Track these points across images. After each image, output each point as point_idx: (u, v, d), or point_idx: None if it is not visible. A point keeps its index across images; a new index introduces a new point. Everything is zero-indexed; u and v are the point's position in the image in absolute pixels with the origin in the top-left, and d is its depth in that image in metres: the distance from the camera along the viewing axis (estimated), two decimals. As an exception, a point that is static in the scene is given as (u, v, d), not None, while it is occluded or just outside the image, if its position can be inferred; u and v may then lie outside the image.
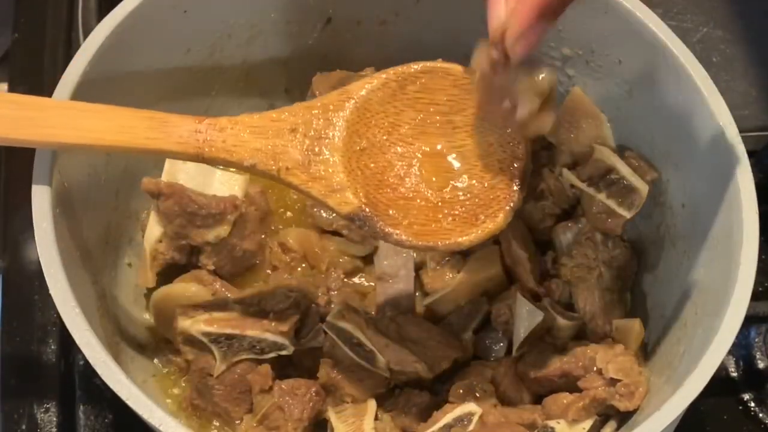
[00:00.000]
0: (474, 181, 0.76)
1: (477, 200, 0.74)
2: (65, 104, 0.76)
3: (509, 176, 0.74)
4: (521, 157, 0.74)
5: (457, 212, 0.74)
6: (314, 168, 0.73)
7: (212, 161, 0.75)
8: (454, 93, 0.76)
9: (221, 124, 0.74)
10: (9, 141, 0.73)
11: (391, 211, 0.73)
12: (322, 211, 0.95)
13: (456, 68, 0.76)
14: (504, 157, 0.75)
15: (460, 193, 0.75)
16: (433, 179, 0.75)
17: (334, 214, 0.94)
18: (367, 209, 0.72)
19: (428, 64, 0.77)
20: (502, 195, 0.74)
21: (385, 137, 0.75)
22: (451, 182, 0.76)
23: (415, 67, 0.76)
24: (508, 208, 0.74)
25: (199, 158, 0.74)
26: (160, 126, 0.74)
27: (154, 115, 0.74)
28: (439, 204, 0.74)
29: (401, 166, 0.75)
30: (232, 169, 0.95)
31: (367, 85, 0.76)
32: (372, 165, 0.75)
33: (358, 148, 0.75)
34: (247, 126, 0.75)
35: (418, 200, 0.75)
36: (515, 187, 0.74)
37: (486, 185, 0.74)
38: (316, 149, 0.74)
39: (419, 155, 0.76)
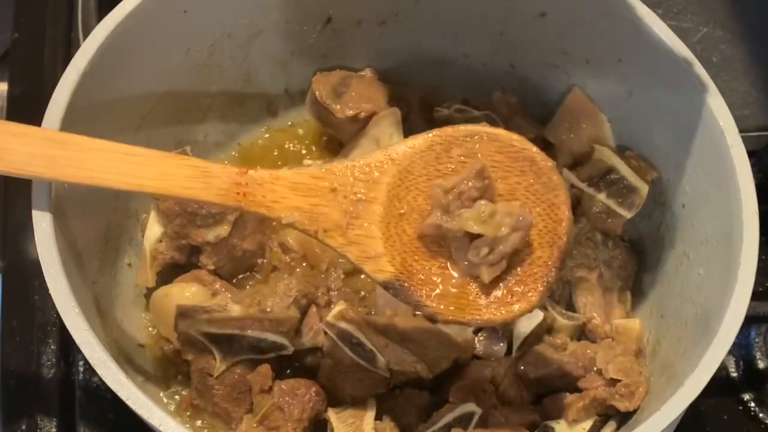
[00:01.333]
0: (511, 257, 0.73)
1: (512, 278, 0.72)
2: (105, 146, 0.74)
3: (548, 254, 0.72)
4: (562, 235, 0.72)
5: (491, 288, 0.72)
6: (351, 232, 0.73)
7: (251, 214, 0.75)
8: (498, 159, 0.73)
9: (261, 177, 0.74)
10: (45, 179, 0.73)
11: (426, 281, 0.72)
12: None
13: (503, 134, 0.74)
14: (545, 231, 0.72)
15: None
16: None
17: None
18: (403, 279, 0.72)
19: (476, 127, 0.74)
20: (539, 272, 0.71)
21: (426, 202, 0.73)
22: None
23: (463, 129, 0.74)
24: (543, 287, 0.71)
25: (237, 210, 0.75)
26: (200, 176, 0.73)
27: (196, 164, 0.74)
28: (473, 278, 0.72)
29: (440, 234, 0.73)
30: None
31: (412, 146, 0.74)
32: (410, 230, 0.73)
33: (397, 213, 0.73)
34: (288, 182, 0.74)
35: (451, 271, 0.73)
36: (553, 265, 0.71)
37: (523, 260, 0.72)
38: (355, 212, 0.73)
39: None
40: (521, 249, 0.72)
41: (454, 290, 0.72)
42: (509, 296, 0.72)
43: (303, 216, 0.73)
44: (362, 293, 0.94)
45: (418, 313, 0.77)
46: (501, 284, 0.72)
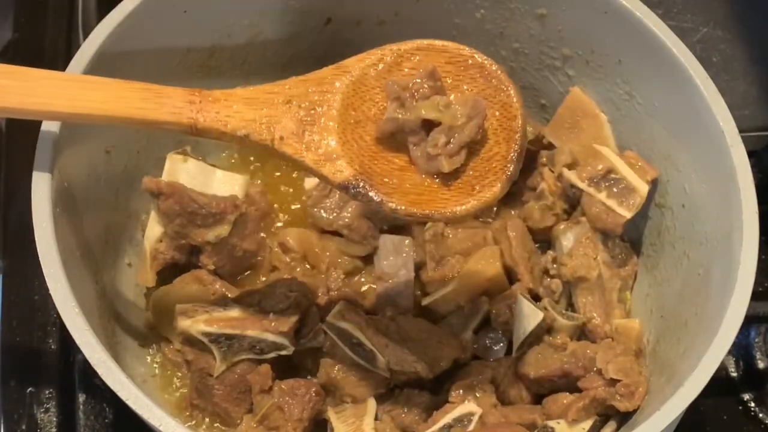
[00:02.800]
0: (469, 153, 0.75)
1: (472, 171, 0.74)
2: (58, 75, 0.75)
3: (505, 148, 0.74)
4: (516, 129, 0.74)
5: (452, 182, 0.74)
6: (308, 138, 0.73)
7: (205, 132, 0.74)
8: (449, 69, 0.75)
9: (215, 95, 0.74)
10: (2, 111, 0.72)
11: (386, 180, 0.73)
12: (322, 211, 0.95)
13: (451, 45, 0.76)
14: (499, 130, 0.75)
15: None
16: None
17: (334, 215, 0.94)
18: (361, 178, 0.72)
19: (424, 41, 0.77)
20: (498, 166, 0.73)
21: (378, 111, 0.75)
22: None
23: (411, 44, 0.76)
24: (504, 177, 0.73)
25: (192, 129, 0.74)
26: (153, 97, 0.73)
27: (149, 87, 0.74)
28: (435, 175, 0.74)
29: (396, 139, 0.75)
30: (231, 171, 0.95)
31: (363, 61, 0.76)
32: (367, 137, 0.74)
33: (352, 120, 0.74)
34: (241, 97, 0.75)
35: (412, 170, 0.74)
36: (511, 158, 0.74)
37: (481, 157, 0.74)
38: (311, 119, 0.74)
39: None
40: (478, 142, 0.74)
41: (415, 187, 0.73)
42: (471, 189, 0.73)
43: (258, 126, 0.73)
44: (362, 293, 0.94)
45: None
46: (462, 177, 0.74)
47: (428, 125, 0.73)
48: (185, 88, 0.74)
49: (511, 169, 0.73)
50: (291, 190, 1.00)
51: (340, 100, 0.74)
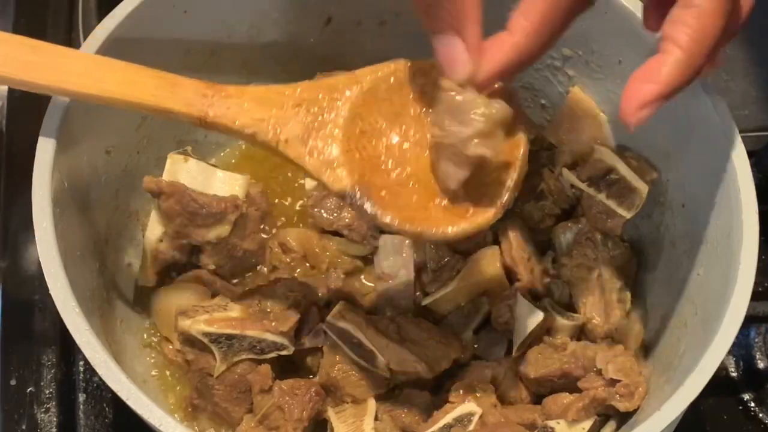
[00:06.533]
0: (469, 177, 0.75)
1: (469, 195, 0.74)
2: (78, 54, 0.77)
3: (504, 175, 0.74)
4: (518, 158, 0.74)
5: (447, 204, 0.74)
6: (312, 143, 0.73)
7: (214, 126, 0.74)
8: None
9: (228, 91, 0.75)
10: (17, 83, 0.74)
11: (383, 193, 0.73)
12: (322, 212, 0.95)
13: None
14: (501, 156, 0.75)
15: None
16: (429, 170, 0.75)
17: (334, 215, 0.94)
18: (359, 188, 0.72)
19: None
20: (495, 192, 0.74)
21: (386, 124, 0.75)
22: None
23: (428, 61, 0.76)
24: (499, 204, 0.73)
25: (202, 122, 0.74)
26: (167, 85, 0.74)
27: (164, 75, 0.75)
28: (431, 194, 0.74)
29: (399, 154, 0.75)
30: (232, 171, 0.95)
31: (377, 73, 0.76)
32: (370, 149, 0.74)
33: (358, 130, 0.74)
34: (253, 96, 0.75)
35: (411, 186, 0.74)
36: (509, 186, 0.74)
37: (480, 181, 0.74)
38: (317, 125, 0.74)
39: (418, 147, 0.75)
40: (481, 167, 0.73)
41: (411, 204, 0.73)
42: (465, 211, 0.73)
43: (265, 127, 0.74)
44: (362, 293, 0.94)
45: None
46: (458, 199, 0.74)
47: None
48: (200, 80, 0.75)
49: (507, 196, 0.73)
50: (291, 190, 1.00)
51: (349, 109, 0.74)
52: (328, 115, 0.74)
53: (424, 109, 0.76)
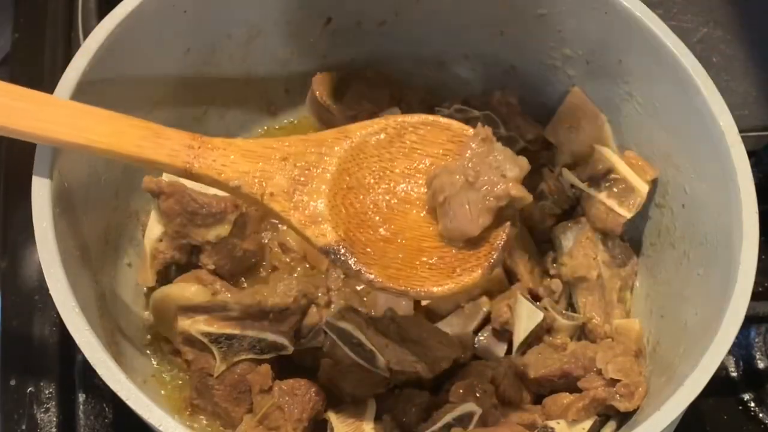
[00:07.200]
0: None
1: (456, 254, 0.73)
2: (63, 102, 0.76)
3: (493, 235, 0.73)
4: (509, 218, 0.73)
5: (434, 262, 0.73)
6: (298, 197, 0.73)
7: (199, 178, 0.74)
8: (450, 148, 0.75)
9: (214, 143, 0.75)
10: (2, 130, 0.73)
11: (368, 249, 0.73)
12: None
13: (456, 125, 0.76)
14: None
15: (441, 245, 0.74)
16: (417, 227, 0.75)
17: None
18: (343, 245, 0.72)
19: (429, 117, 0.77)
20: (483, 252, 0.73)
21: (373, 180, 0.75)
22: (434, 233, 0.74)
23: (417, 118, 0.76)
24: (487, 264, 0.73)
25: (186, 173, 0.74)
26: (153, 136, 0.74)
27: (149, 126, 0.75)
28: (418, 252, 0.74)
29: (386, 210, 0.75)
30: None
31: (366, 129, 0.76)
32: (357, 204, 0.74)
33: (345, 185, 0.74)
34: (240, 149, 0.75)
35: (398, 243, 0.74)
36: (497, 246, 0.73)
37: (469, 241, 0.73)
38: (304, 179, 0.74)
39: (405, 204, 0.75)
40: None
41: (396, 262, 0.73)
42: (452, 271, 0.73)
43: (250, 179, 0.73)
44: (362, 293, 0.94)
45: (359, 281, 0.78)
46: (445, 258, 0.73)
47: None
48: (186, 133, 0.75)
49: (495, 257, 0.73)
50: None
51: (337, 164, 0.74)
52: (315, 169, 0.74)
53: (414, 165, 0.76)
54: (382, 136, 0.75)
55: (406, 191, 0.75)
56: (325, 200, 0.73)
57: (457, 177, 0.72)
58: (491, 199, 0.71)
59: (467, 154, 0.73)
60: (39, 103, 0.74)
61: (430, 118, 0.76)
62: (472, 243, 0.73)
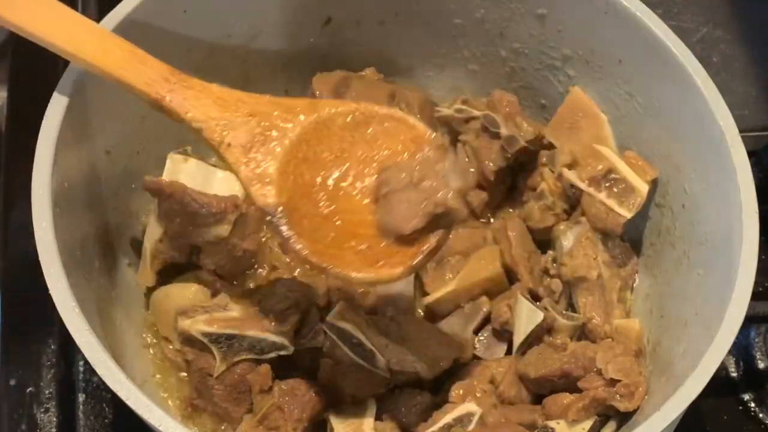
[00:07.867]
0: None
1: (385, 247, 0.75)
2: (62, 7, 0.77)
3: (423, 240, 0.75)
4: (442, 226, 0.75)
5: (362, 249, 0.74)
6: (253, 154, 0.75)
7: (167, 112, 0.76)
8: (409, 147, 0.76)
9: (191, 83, 0.76)
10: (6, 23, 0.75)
11: (304, 222, 0.74)
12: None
13: (421, 126, 0.77)
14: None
15: (375, 235, 0.76)
16: (357, 212, 0.76)
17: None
18: (282, 210, 0.73)
19: (398, 113, 0.78)
20: (409, 252, 0.74)
21: (330, 158, 0.76)
22: (372, 222, 0.76)
23: (386, 111, 0.78)
24: (410, 264, 0.74)
25: (157, 105, 0.76)
26: (136, 61, 0.76)
27: (137, 52, 0.77)
28: (350, 236, 0.75)
29: (332, 189, 0.76)
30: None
31: (337, 107, 0.77)
32: (307, 176, 0.75)
33: (301, 155, 0.75)
34: (213, 94, 0.76)
35: (334, 223, 0.75)
36: (423, 250, 0.74)
37: (403, 239, 0.75)
38: (263, 139, 0.75)
39: (353, 187, 0.76)
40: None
41: (327, 240, 0.74)
42: (375, 261, 0.74)
43: (213, 125, 0.75)
44: (362, 293, 0.94)
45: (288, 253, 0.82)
46: (374, 248, 0.75)
47: None
48: (169, 67, 0.77)
49: (419, 259, 0.74)
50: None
51: (299, 133, 0.76)
52: (275, 132, 0.75)
53: (372, 154, 0.77)
54: (350, 118, 0.77)
55: (358, 177, 0.76)
56: (276, 163, 0.74)
57: (404, 175, 0.74)
58: (429, 204, 0.73)
59: (417, 157, 0.75)
60: (38, 1, 0.76)
61: (399, 114, 0.78)
62: (403, 241, 0.74)
